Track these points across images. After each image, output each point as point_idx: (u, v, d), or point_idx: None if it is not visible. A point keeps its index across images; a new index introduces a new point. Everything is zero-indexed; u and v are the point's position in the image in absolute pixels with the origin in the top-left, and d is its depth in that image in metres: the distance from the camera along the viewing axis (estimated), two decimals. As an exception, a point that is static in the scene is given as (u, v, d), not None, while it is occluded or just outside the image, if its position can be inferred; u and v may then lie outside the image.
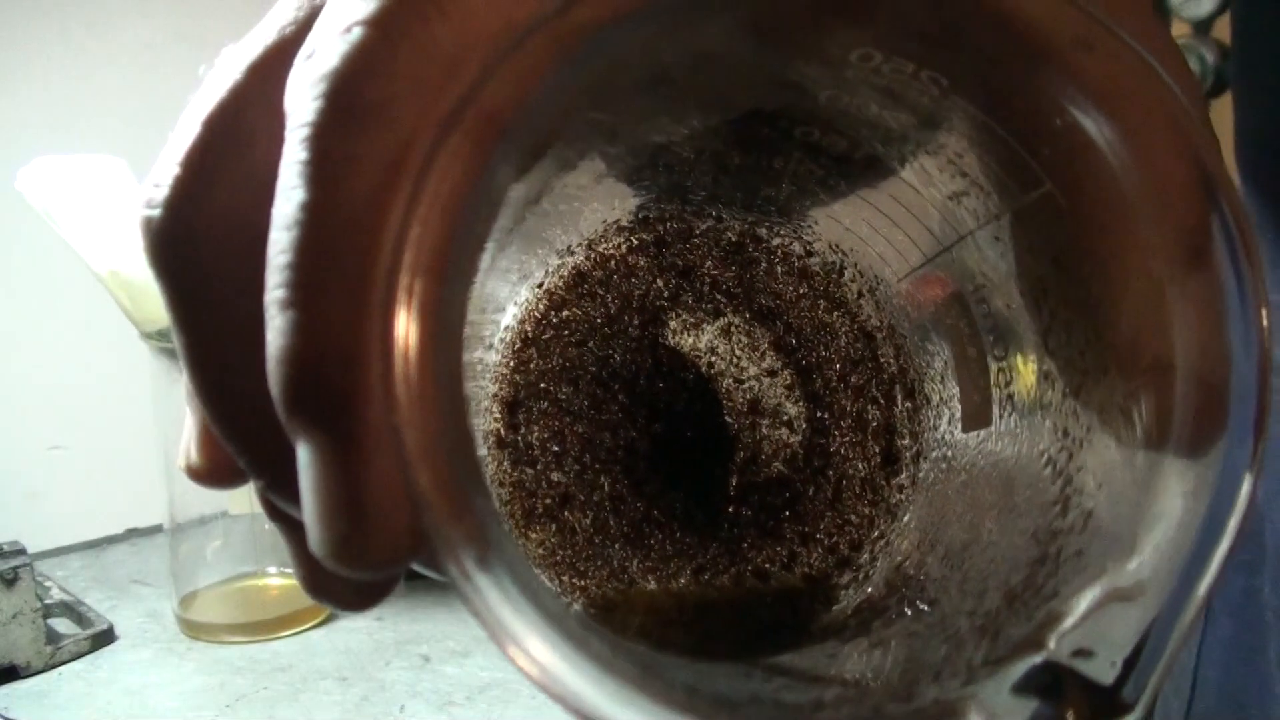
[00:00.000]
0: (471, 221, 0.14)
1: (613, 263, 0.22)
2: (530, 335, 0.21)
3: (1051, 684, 0.15)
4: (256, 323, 0.14)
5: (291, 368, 0.13)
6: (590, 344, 0.22)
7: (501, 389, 0.21)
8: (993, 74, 0.17)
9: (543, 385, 0.21)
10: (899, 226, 0.20)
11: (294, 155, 0.14)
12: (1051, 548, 0.17)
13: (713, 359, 0.22)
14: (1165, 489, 0.15)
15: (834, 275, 0.22)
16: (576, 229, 0.21)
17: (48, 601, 0.67)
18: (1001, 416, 0.20)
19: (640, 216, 0.22)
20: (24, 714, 0.57)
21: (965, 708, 0.15)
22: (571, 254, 0.22)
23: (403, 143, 0.14)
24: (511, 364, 0.21)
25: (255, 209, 0.14)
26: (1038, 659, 0.15)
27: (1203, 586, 0.14)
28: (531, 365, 0.21)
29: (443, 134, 0.13)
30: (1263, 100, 0.38)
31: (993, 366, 0.20)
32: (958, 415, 0.21)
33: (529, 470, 0.21)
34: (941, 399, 0.21)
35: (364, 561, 0.14)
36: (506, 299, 0.21)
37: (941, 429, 0.21)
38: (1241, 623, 0.41)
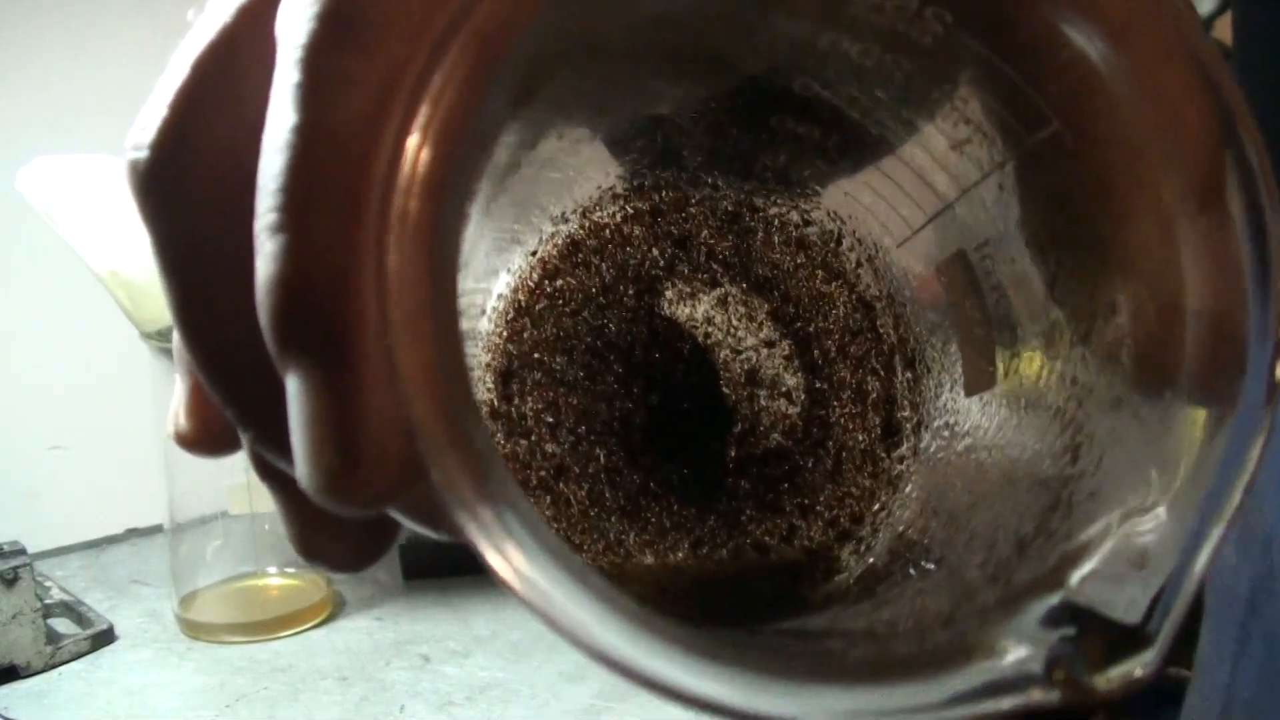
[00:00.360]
0: (467, 146, 0.13)
1: (607, 231, 0.21)
2: (524, 304, 0.21)
3: (1070, 621, 0.15)
4: (246, 266, 0.13)
5: (281, 294, 0.13)
6: (585, 313, 0.21)
7: (495, 359, 0.21)
8: (997, 7, 0.16)
9: (536, 355, 0.21)
10: (900, 186, 0.20)
11: (286, 77, 0.13)
12: (1064, 493, 0.17)
13: (709, 329, 0.22)
14: (1182, 428, 0.15)
15: (832, 244, 0.22)
16: (570, 195, 0.21)
17: (48, 601, 0.67)
18: (1006, 376, 0.19)
19: (635, 184, 0.21)
20: (24, 714, 0.57)
21: (981, 644, 0.14)
22: (565, 221, 0.21)
23: (398, 63, 0.13)
24: (504, 333, 0.21)
25: (245, 149, 0.14)
26: (1054, 599, 0.15)
27: (1223, 522, 0.14)
28: (525, 335, 0.21)
29: (437, 54, 0.13)
30: (1263, 99, 0.38)
31: (995, 327, 0.19)
32: (960, 380, 0.20)
33: (523, 442, 0.21)
34: (943, 366, 0.21)
35: (356, 494, 0.13)
36: (499, 266, 0.21)
37: (943, 397, 0.21)
38: (1276, 647, 0.41)
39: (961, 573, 0.18)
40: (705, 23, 0.18)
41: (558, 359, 0.21)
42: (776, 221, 0.22)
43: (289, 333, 0.13)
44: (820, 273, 0.22)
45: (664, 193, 0.21)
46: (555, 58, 0.17)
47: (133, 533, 0.84)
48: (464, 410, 0.13)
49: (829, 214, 0.22)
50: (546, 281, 0.21)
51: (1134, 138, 0.15)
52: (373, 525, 0.16)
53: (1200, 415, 0.15)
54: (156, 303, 0.63)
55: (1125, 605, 0.14)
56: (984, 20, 0.16)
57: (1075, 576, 0.15)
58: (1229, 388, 0.15)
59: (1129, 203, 0.16)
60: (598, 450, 0.21)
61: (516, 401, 0.21)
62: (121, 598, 0.72)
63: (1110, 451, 0.16)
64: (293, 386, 0.13)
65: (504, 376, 0.21)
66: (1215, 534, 0.14)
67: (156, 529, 0.81)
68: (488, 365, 0.21)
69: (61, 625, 0.67)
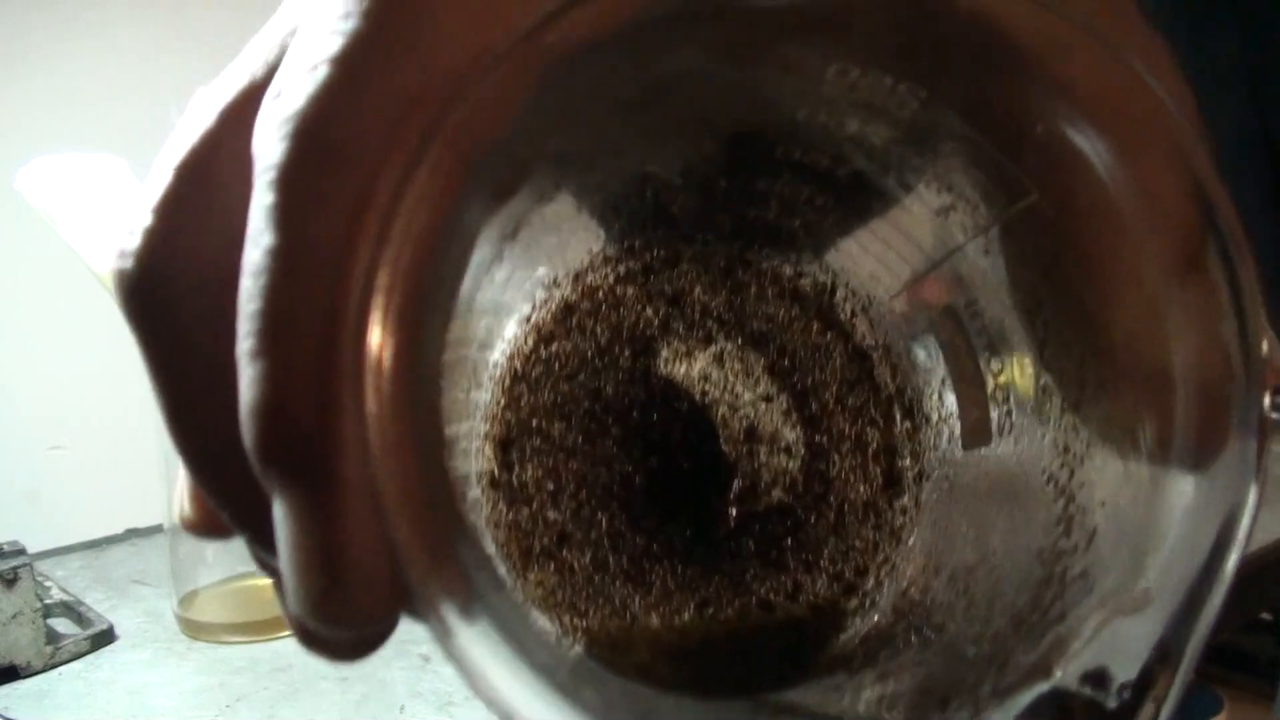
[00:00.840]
0: (443, 259, 0.14)
1: (600, 293, 0.21)
2: (520, 372, 0.21)
3: (1060, 712, 0.15)
4: (233, 375, 0.14)
5: (262, 419, 0.13)
6: (581, 377, 0.21)
7: (493, 428, 0.21)
8: (971, 83, 0.16)
9: (535, 422, 0.21)
10: (888, 243, 0.20)
11: (261, 199, 0.14)
12: (1056, 568, 0.17)
13: (706, 387, 0.22)
14: (1170, 503, 0.15)
15: (826, 296, 0.22)
16: (562, 260, 0.21)
17: (48, 601, 0.67)
18: (1001, 434, 0.19)
19: (626, 245, 0.21)
20: (24, 714, 0.57)
21: None
22: (558, 286, 0.21)
23: (369, 181, 0.13)
24: (502, 402, 0.21)
25: (229, 256, 0.14)
26: (1045, 686, 0.15)
27: (1213, 604, 0.14)
28: (522, 402, 0.21)
29: (409, 169, 0.13)
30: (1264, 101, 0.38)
31: (990, 382, 0.19)
32: (958, 433, 0.20)
33: (525, 510, 0.21)
34: (941, 417, 0.21)
35: (345, 619, 0.13)
36: (494, 335, 0.21)
37: (942, 448, 0.21)
38: None
39: (959, 647, 0.18)
40: (682, 99, 0.18)
41: (556, 425, 0.21)
42: (769, 275, 0.22)
43: (272, 457, 0.13)
44: (815, 324, 0.22)
45: (655, 251, 0.21)
46: (536, 150, 0.17)
47: (133, 533, 0.84)
48: (449, 529, 0.13)
49: (821, 266, 0.22)
50: (542, 347, 0.21)
51: (1113, 211, 0.16)
52: None
53: (1190, 487, 0.15)
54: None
55: (1115, 693, 0.14)
56: (959, 97, 0.17)
57: (1066, 661, 0.15)
58: (1217, 458, 0.15)
59: (1111, 274, 0.16)
60: (599, 515, 0.21)
61: (517, 470, 0.21)
62: (121, 598, 0.72)
63: (1102, 526, 0.17)
64: (278, 510, 0.13)
65: (503, 445, 0.21)
66: (1205, 618, 0.14)
67: (156, 529, 0.81)
68: (486, 434, 0.21)
69: (61, 625, 0.67)
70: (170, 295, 0.15)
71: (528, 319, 0.21)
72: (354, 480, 0.13)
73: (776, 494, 0.21)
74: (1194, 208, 0.15)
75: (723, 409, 0.22)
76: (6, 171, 0.61)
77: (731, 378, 0.22)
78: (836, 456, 0.22)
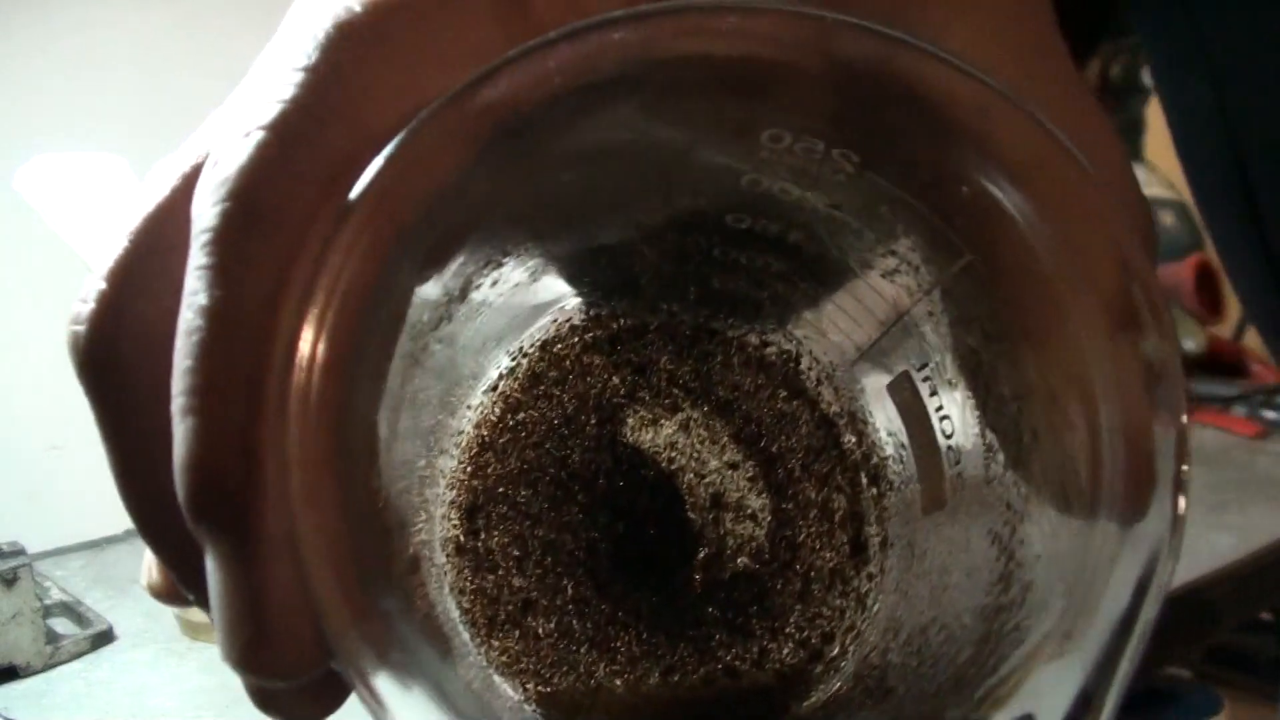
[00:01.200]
0: (372, 316, 0.14)
1: (567, 362, 0.21)
2: (487, 440, 0.21)
3: None
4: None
5: (192, 475, 0.14)
6: (548, 445, 0.21)
7: (459, 495, 0.21)
8: (901, 147, 0.17)
9: (501, 489, 0.21)
10: (844, 309, 0.21)
11: (195, 261, 0.14)
12: (995, 624, 0.17)
13: (672, 454, 0.22)
14: (1096, 554, 0.15)
15: (791, 364, 0.22)
16: (525, 327, 0.21)
17: (47, 601, 0.67)
18: (953, 495, 0.20)
19: (592, 314, 0.21)
20: (24, 714, 0.57)
21: None
22: (525, 355, 0.21)
23: (295, 245, 0.14)
24: (469, 469, 0.21)
25: (174, 323, 0.15)
26: None
27: (1132, 653, 0.15)
28: (489, 470, 0.21)
29: (335, 234, 0.13)
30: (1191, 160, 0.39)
31: (942, 444, 0.20)
32: (918, 497, 0.21)
33: (490, 577, 0.21)
34: (903, 481, 0.21)
35: (270, 670, 0.14)
36: (458, 401, 0.21)
37: (905, 513, 0.21)
38: None
39: (907, 707, 0.18)
40: (625, 165, 0.18)
41: (522, 492, 0.21)
42: (735, 344, 0.22)
43: (200, 513, 0.14)
44: (781, 392, 0.22)
45: (621, 321, 0.22)
46: (471, 214, 0.17)
47: (133, 533, 0.84)
48: (373, 585, 0.13)
49: (786, 335, 0.22)
50: (509, 415, 0.21)
51: (1042, 269, 0.16)
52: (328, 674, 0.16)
53: (1114, 538, 0.15)
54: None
55: None
56: (889, 161, 0.17)
57: (997, 714, 0.15)
58: (1141, 511, 0.15)
59: (1041, 329, 0.17)
60: (565, 582, 0.21)
61: (483, 536, 0.21)
62: (121, 598, 0.72)
63: (1038, 579, 0.17)
64: (209, 564, 0.14)
65: (469, 512, 0.21)
66: (1125, 664, 0.15)
67: (156, 529, 0.81)
68: (452, 501, 0.21)
69: (61, 625, 0.67)
70: (120, 359, 0.16)
71: (494, 387, 0.21)
72: (274, 534, 0.13)
73: (743, 560, 0.21)
74: (1117, 268, 0.15)
75: (689, 476, 0.22)
76: (6, 171, 0.61)
77: (698, 445, 0.22)
78: (803, 523, 0.22)
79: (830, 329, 0.21)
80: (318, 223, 0.14)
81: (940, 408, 0.20)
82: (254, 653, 0.14)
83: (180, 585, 0.16)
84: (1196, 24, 0.33)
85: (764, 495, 0.22)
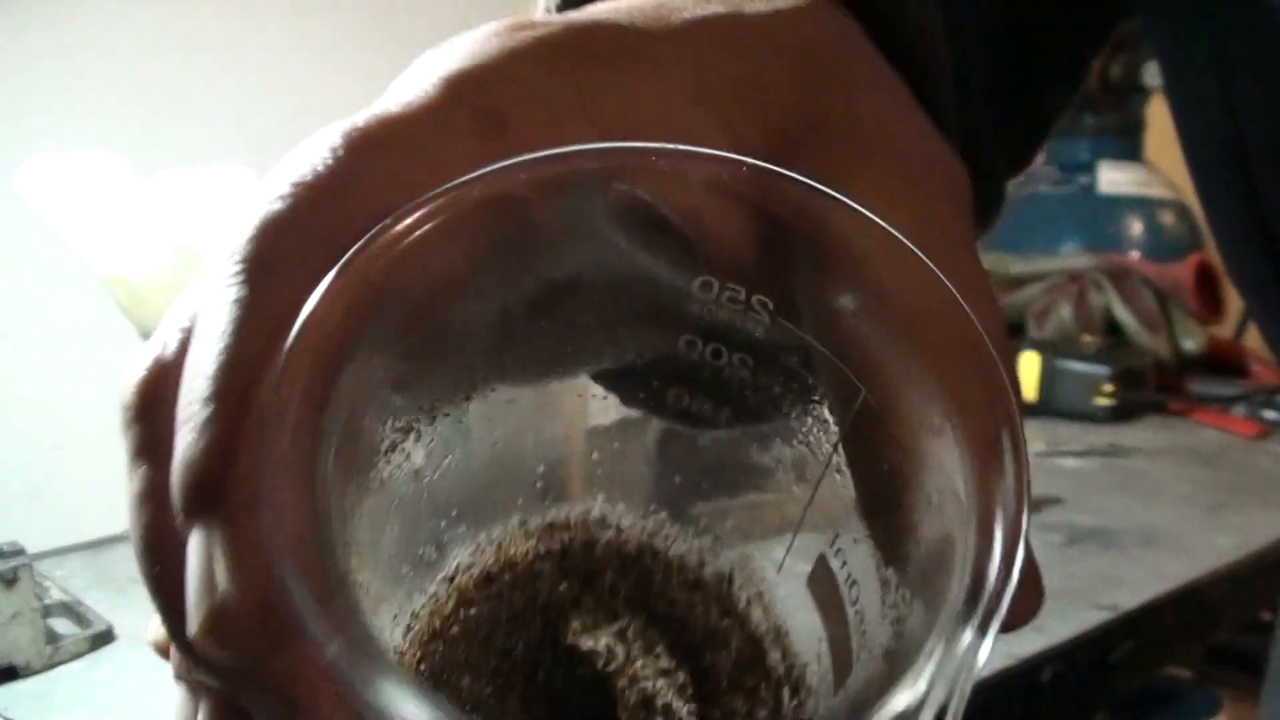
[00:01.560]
0: (346, 373, 0.16)
1: (520, 567, 0.23)
2: (439, 629, 0.22)
3: None
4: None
5: (183, 473, 0.16)
6: (494, 638, 0.22)
7: (410, 655, 0.22)
8: (803, 289, 0.18)
9: (445, 676, 0.22)
10: (769, 500, 0.22)
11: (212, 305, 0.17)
12: None
13: (610, 658, 0.23)
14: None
15: (725, 585, 0.24)
16: (484, 527, 0.23)
17: (47, 601, 0.67)
18: (857, 661, 0.20)
19: (547, 523, 0.23)
20: (24, 714, 0.57)
21: None
22: (482, 553, 0.23)
23: (292, 304, 0.16)
24: (418, 654, 0.22)
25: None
26: None
27: None
28: (436, 657, 0.22)
29: (323, 283, 0.16)
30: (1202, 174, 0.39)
31: (852, 616, 0.20)
32: (831, 682, 0.21)
33: None
34: (820, 677, 0.22)
35: (234, 639, 0.15)
36: (414, 586, 0.22)
37: (823, 708, 0.22)
38: None
39: None
40: (569, 317, 0.20)
41: (465, 679, 0.22)
42: (676, 564, 0.24)
43: (186, 502, 0.16)
44: (715, 609, 0.24)
45: (572, 534, 0.23)
46: (439, 332, 0.19)
47: (132, 533, 0.84)
48: (335, 585, 0.15)
49: (724, 554, 0.24)
50: (462, 609, 0.22)
51: (918, 402, 0.18)
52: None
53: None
54: (155, 303, 0.63)
55: None
56: (788, 301, 0.19)
57: None
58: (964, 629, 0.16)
59: (917, 474, 0.18)
60: None
61: None
62: (121, 598, 0.72)
63: None
64: (189, 546, 0.16)
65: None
66: None
67: (156, 529, 0.81)
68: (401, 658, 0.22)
69: (61, 625, 0.66)
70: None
71: (451, 579, 0.23)
72: (249, 519, 0.15)
73: None
74: (989, 400, 0.17)
75: (623, 680, 0.22)
76: (6, 171, 0.61)
77: (634, 652, 0.23)
78: None
79: (761, 531, 0.23)
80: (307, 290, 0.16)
81: (849, 579, 0.21)
82: (215, 620, 0.15)
83: (172, 636, 0.18)
84: (1210, 24, 0.33)
85: (692, 703, 0.23)
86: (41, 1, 0.80)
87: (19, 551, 0.62)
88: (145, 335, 0.63)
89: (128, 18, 0.83)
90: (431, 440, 0.20)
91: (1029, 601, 0.19)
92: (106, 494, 0.85)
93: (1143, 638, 0.71)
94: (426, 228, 0.16)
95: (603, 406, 0.22)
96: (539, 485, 0.23)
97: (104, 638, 0.65)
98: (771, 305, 0.18)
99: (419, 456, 0.20)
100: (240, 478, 0.15)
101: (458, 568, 0.23)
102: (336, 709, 0.16)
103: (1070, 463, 0.99)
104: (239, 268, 0.17)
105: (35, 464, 0.81)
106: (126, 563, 0.78)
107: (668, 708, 0.22)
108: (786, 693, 0.23)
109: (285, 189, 0.17)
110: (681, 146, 0.17)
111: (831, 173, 0.18)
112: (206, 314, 0.17)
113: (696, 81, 0.19)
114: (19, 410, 0.81)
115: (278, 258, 0.17)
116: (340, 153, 0.17)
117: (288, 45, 0.87)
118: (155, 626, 0.20)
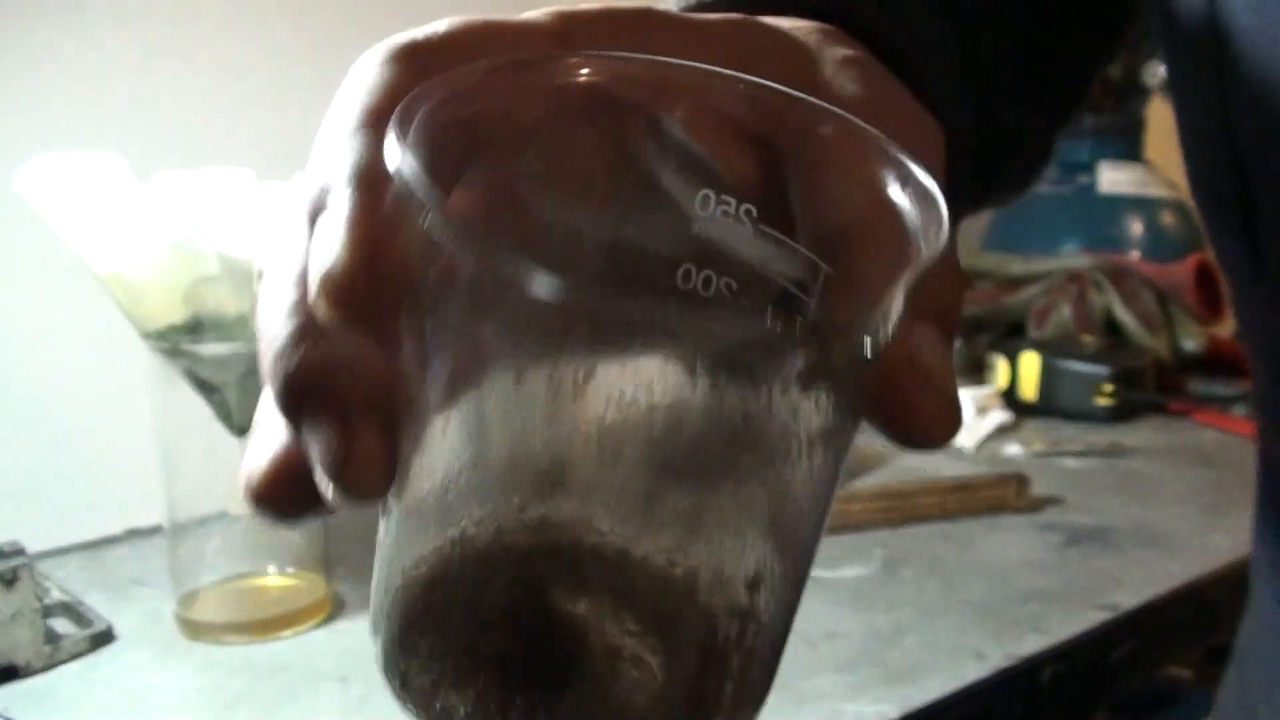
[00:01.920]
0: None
1: (509, 548, 0.23)
2: (436, 577, 0.22)
3: None
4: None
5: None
6: (490, 585, 0.23)
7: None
8: (794, 183, 0.21)
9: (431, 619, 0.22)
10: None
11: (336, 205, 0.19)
12: None
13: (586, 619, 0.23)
14: None
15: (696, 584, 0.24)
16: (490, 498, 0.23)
17: (47, 601, 0.67)
18: None
19: (539, 516, 0.23)
20: (24, 714, 0.57)
21: None
22: (479, 526, 0.23)
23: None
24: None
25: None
26: None
27: None
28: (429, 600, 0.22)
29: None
30: (1196, 165, 0.40)
31: None
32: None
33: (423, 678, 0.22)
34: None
35: (345, 297, 0.17)
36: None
37: None
38: None
39: None
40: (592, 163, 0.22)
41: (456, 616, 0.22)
42: (652, 567, 0.24)
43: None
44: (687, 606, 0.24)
45: (561, 531, 0.23)
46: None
47: (132, 533, 0.84)
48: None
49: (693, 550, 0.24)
50: (455, 568, 0.22)
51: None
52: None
53: None
54: (156, 302, 0.63)
55: None
56: (772, 213, 0.22)
57: None
58: None
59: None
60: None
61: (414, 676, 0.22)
62: (121, 598, 0.72)
63: None
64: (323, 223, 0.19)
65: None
66: None
67: (156, 529, 0.81)
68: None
69: (61, 625, 0.67)
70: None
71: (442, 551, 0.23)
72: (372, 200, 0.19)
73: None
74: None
75: (593, 635, 0.22)
76: (6, 171, 0.61)
77: (607, 619, 0.23)
78: None
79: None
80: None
81: None
82: (336, 278, 0.17)
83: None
84: (1216, 31, 0.33)
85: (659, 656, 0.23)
86: (41, 2, 0.80)
87: (19, 551, 0.62)
88: (145, 335, 0.63)
89: (128, 19, 0.83)
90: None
91: (942, 414, 0.20)
92: (106, 494, 0.85)
93: (1143, 638, 0.71)
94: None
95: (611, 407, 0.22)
96: (544, 474, 0.23)
97: (104, 638, 0.65)
98: (755, 213, 0.21)
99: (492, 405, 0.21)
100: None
101: (452, 540, 0.22)
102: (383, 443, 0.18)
103: (1070, 463, 0.99)
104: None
105: (35, 464, 0.81)
106: (126, 563, 0.78)
107: (637, 657, 0.22)
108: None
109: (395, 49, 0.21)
110: (702, 65, 0.21)
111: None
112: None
113: (724, 49, 0.23)
114: (18, 409, 0.81)
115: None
116: (456, 22, 0.21)
117: (288, 47, 0.87)
118: (251, 472, 0.20)
